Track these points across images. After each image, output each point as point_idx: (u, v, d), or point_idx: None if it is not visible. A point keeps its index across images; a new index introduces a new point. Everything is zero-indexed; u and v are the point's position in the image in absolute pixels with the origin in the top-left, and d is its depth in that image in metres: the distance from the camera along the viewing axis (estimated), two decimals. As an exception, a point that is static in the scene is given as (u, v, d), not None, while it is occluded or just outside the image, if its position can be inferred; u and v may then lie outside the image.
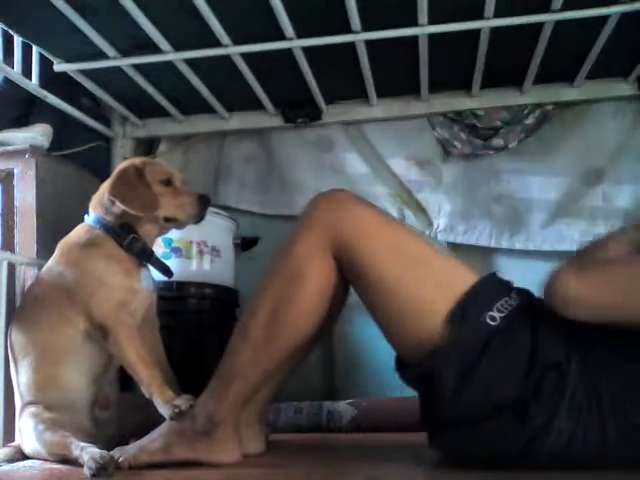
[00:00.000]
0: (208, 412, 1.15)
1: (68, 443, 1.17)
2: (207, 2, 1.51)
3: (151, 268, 1.43)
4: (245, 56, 1.77)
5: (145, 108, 2.13)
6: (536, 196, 2.09)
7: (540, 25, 1.63)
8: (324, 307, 1.12)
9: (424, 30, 1.64)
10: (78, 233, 1.40)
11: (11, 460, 1.29)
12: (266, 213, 2.26)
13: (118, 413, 1.38)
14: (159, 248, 1.62)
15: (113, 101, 2.06)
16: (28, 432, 1.27)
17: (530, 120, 2.07)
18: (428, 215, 2.15)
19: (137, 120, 2.20)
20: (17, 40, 1.79)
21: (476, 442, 1.02)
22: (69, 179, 1.98)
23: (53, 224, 1.81)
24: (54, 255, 1.40)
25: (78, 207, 1.48)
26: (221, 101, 2.08)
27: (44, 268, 1.41)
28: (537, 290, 1.13)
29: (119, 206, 1.36)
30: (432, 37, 1.68)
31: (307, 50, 1.74)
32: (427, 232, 2.12)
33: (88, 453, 1.09)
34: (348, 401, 1.82)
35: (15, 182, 1.83)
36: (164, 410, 1.19)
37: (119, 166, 1.44)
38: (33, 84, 1.85)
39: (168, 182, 1.42)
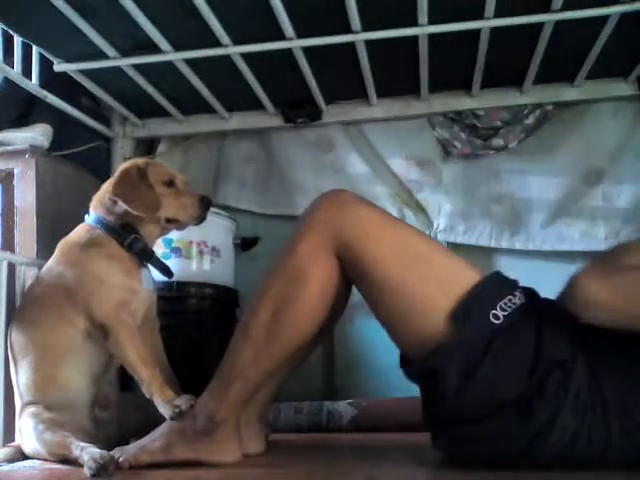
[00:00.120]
0: (209, 412, 1.15)
1: (68, 443, 1.17)
2: (207, 2, 1.51)
3: (151, 268, 1.43)
4: (245, 56, 1.77)
5: (145, 108, 2.13)
6: (536, 196, 2.09)
7: (540, 25, 1.63)
8: (326, 307, 1.12)
9: (424, 30, 1.64)
10: (78, 233, 1.40)
11: (11, 460, 1.29)
12: (266, 213, 2.26)
13: (118, 413, 1.38)
14: (159, 248, 1.62)
15: (113, 101, 2.06)
16: (28, 432, 1.27)
17: (530, 120, 2.07)
18: (428, 215, 2.15)
19: (137, 120, 2.20)
20: (17, 40, 1.79)
21: (479, 440, 1.02)
22: (69, 179, 1.97)
23: (53, 224, 1.81)
24: (54, 255, 1.40)
25: (78, 207, 1.48)
26: (221, 101, 2.08)
27: (44, 268, 1.41)
28: (538, 290, 1.14)
29: (121, 206, 1.36)
30: (432, 37, 1.68)
31: (307, 50, 1.74)
32: (427, 232, 2.12)
33: (88, 453, 1.09)
34: (348, 401, 1.82)
35: (15, 182, 1.83)
36: (164, 410, 1.19)
37: (122, 166, 1.44)
38: (33, 84, 1.85)
39: (170, 183, 1.42)
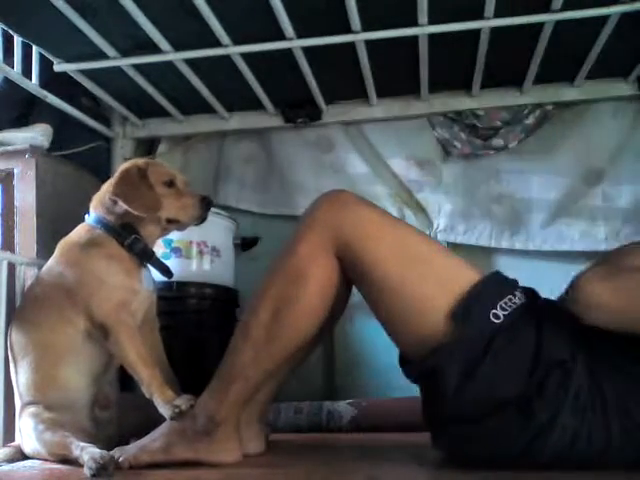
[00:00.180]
0: (209, 412, 1.15)
1: (68, 443, 1.17)
2: (207, 2, 1.51)
3: (151, 268, 1.43)
4: (245, 56, 1.77)
5: (145, 108, 2.13)
6: (536, 196, 2.09)
7: (540, 25, 1.63)
8: (326, 307, 1.12)
9: (424, 30, 1.64)
10: (79, 233, 1.40)
11: (11, 460, 1.29)
12: (266, 213, 2.26)
13: (118, 413, 1.38)
14: (159, 248, 1.62)
15: (113, 101, 2.06)
16: (28, 432, 1.27)
17: (530, 120, 2.07)
18: (428, 215, 2.15)
19: (137, 120, 2.20)
20: (17, 40, 1.79)
21: (479, 440, 1.02)
22: (69, 179, 1.97)
23: (53, 224, 1.81)
24: (54, 255, 1.40)
25: (78, 207, 1.48)
26: (221, 101, 2.08)
27: (44, 268, 1.41)
28: (538, 290, 1.14)
29: (121, 206, 1.36)
30: (432, 37, 1.68)
31: (307, 50, 1.74)
32: (427, 232, 2.12)
33: (88, 453, 1.09)
34: (348, 401, 1.82)
35: (15, 182, 1.83)
36: (164, 410, 1.19)
37: (122, 166, 1.44)
38: (33, 84, 1.85)
39: (171, 183, 1.42)
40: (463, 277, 1.07)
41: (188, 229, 1.50)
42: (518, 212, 2.10)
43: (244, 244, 2.20)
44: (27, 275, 1.65)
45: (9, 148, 1.86)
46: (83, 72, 1.87)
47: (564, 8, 1.56)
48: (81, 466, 1.09)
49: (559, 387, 0.97)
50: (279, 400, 1.73)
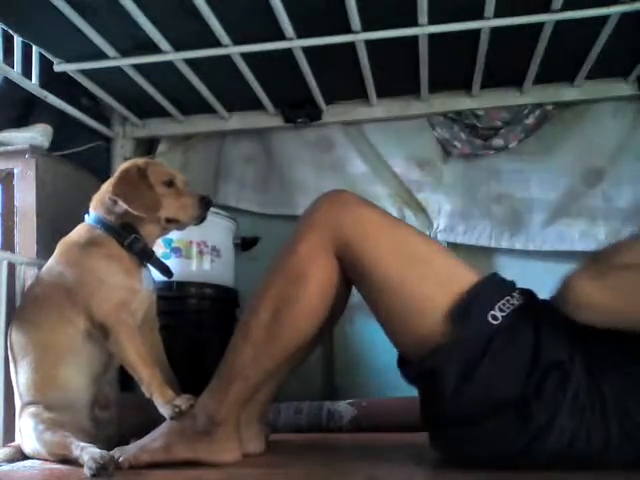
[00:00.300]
0: (209, 412, 1.15)
1: (68, 443, 1.17)
2: (207, 2, 1.51)
3: (151, 268, 1.43)
4: (245, 56, 1.77)
5: (145, 108, 2.13)
6: (536, 196, 2.09)
7: (540, 25, 1.64)
8: (326, 307, 1.12)
9: (424, 30, 1.64)
10: (78, 233, 1.40)
11: (11, 460, 1.29)
12: (266, 213, 2.26)
13: (118, 413, 1.38)
14: (159, 248, 1.62)
15: (113, 101, 2.06)
16: (28, 432, 1.27)
17: (530, 120, 2.07)
18: (428, 215, 2.15)
19: (137, 120, 2.20)
20: (17, 40, 1.78)
21: (477, 441, 1.02)
22: (69, 179, 1.98)
23: (53, 224, 1.81)
24: (54, 255, 1.40)
25: (78, 207, 1.48)
26: (221, 101, 2.08)
27: (44, 268, 1.41)
28: (538, 290, 1.14)
29: (121, 206, 1.36)
30: (432, 37, 1.68)
31: (307, 50, 1.74)
32: (427, 232, 2.12)
33: (88, 453, 1.09)
34: (348, 401, 1.82)
35: (15, 182, 1.83)
36: (164, 410, 1.19)
37: (122, 166, 1.45)
38: (33, 84, 1.85)
39: (170, 183, 1.42)
40: (462, 278, 1.06)
41: (188, 229, 1.50)
42: (518, 212, 2.10)
43: (244, 244, 2.20)
44: (27, 275, 1.65)
45: (9, 148, 1.86)
46: (83, 72, 1.87)
47: (564, 8, 1.57)
48: (81, 466, 1.09)
49: (557, 389, 0.97)
50: (279, 400, 1.73)
